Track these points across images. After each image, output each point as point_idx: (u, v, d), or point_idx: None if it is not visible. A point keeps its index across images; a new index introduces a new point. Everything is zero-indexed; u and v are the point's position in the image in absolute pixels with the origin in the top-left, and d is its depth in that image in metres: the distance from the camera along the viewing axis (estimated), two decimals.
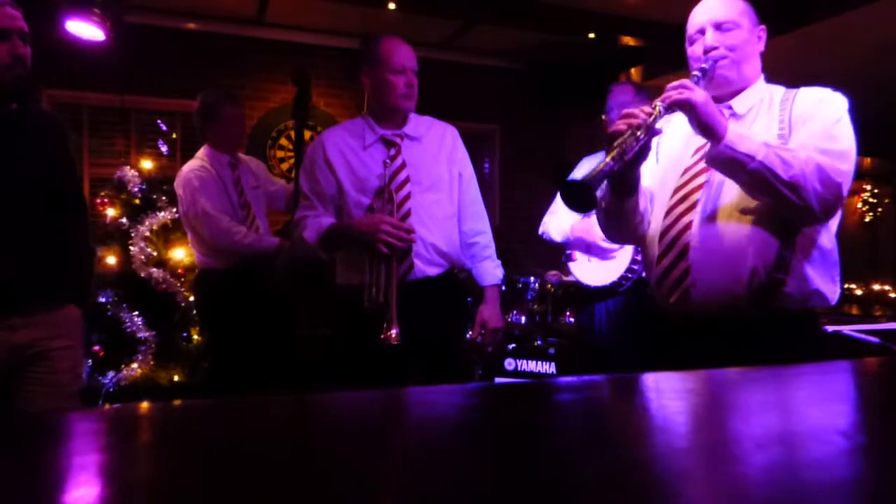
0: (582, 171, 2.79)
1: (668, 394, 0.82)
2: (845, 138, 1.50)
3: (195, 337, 3.72)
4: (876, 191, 7.77)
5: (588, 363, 2.92)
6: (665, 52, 4.85)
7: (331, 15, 4.91)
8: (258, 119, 5.13)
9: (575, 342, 3.31)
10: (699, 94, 1.46)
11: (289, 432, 0.65)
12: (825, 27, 4.32)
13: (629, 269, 2.62)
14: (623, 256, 2.64)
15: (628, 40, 5.13)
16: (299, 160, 3.13)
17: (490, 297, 2.29)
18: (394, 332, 1.95)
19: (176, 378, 3.68)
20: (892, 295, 6.42)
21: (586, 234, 2.69)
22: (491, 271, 2.29)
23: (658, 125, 1.47)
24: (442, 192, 2.17)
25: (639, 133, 1.43)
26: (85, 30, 3.71)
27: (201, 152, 3.07)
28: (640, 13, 4.67)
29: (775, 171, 1.41)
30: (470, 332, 2.33)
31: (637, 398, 0.81)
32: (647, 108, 1.47)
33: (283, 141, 5.17)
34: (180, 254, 3.72)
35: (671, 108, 1.48)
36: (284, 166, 5.11)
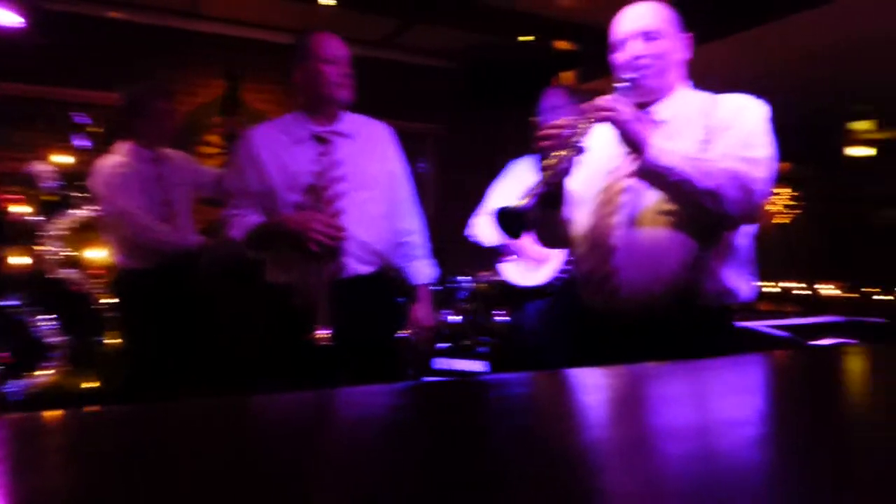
0: (511, 177, 2.84)
1: (594, 389, 0.83)
2: (764, 146, 1.57)
3: (113, 341, 3.55)
4: (792, 193, 8.21)
5: (520, 362, 2.96)
6: (599, 56, 4.96)
7: (266, 9, 4.80)
8: (186, 114, 4.95)
9: (507, 341, 3.34)
10: (624, 112, 1.51)
11: (215, 436, 0.62)
12: (751, 35, 4.52)
13: (562, 270, 2.67)
14: (555, 257, 2.69)
15: (563, 44, 5.23)
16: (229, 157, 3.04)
17: (423, 296, 2.28)
18: (324, 332, 1.93)
19: (91, 385, 3.50)
20: (803, 292, 6.81)
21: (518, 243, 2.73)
22: (423, 270, 2.29)
23: (584, 143, 1.51)
24: (375, 191, 2.13)
25: (565, 154, 1.48)
26: (1, 16, 3.50)
27: (122, 147, 2.93)
28: (575, 17, 4.77)
29: (695, 183, 1.48)
30: (404, 332, 2.31)
31: (564, 394, 0.82)
32: (573, 124, 1.51)
33: (211, 137, 5.00)
34: (97, 253, 3.54)
35: (597, 124, 1.53)
36: (211, 163, 4.95)
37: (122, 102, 2.93)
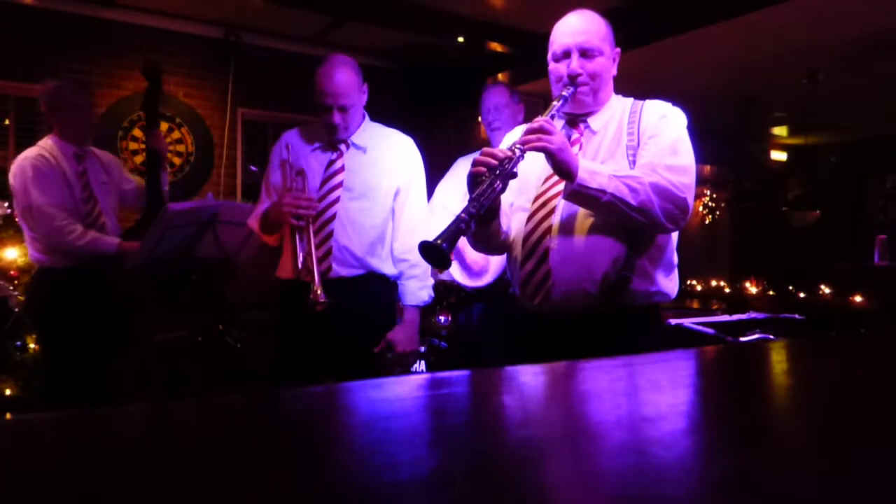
0: (458, 171, 2.83)
1: (527, 385, 0.84)
2: (686, 153, 1.65)
3: (31, 346, 3.36)
4: (714, 195, 8.58)
5: (465, 362, 2.96)
6: (531, 59, 5.05)
7: (191, 1, 4.65)
8: (107, 108, 4.74)
9: (451, 341, 3.35)
10: (555, 141, 1.55)
11: (145, 442, 0.59)
12: (671, 44, 4.71)
13: (505, 271, 2.68)
14: (499, 260, 2.70)
15: (496, 46, 5.29)
16: (151, 157, 2.98)
17: (407, 318, 2.27)
18: (319, 293, 2.08)
19: (8, 392, 3.31)
20: (727, 290, 7.12)
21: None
22: (413, 291, 2.27)
23: (515, 170, 1.54)
24: (374, 202, 2.23)
25: (497, 184, 1.50)
26: None
27: (44, 141, 2.84)
28: (508, 20, 4.83)
29: (625, 200, 1.54)
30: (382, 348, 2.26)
31: (498, 391, 0.82)
32: (505, 151, 1.54)
33: (137, 132, 4.81)
34: (12, 253, 3.35)
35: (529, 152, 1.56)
36: (138, 159, 4.76)
37: (38, 96, 2.83)
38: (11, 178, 2.73)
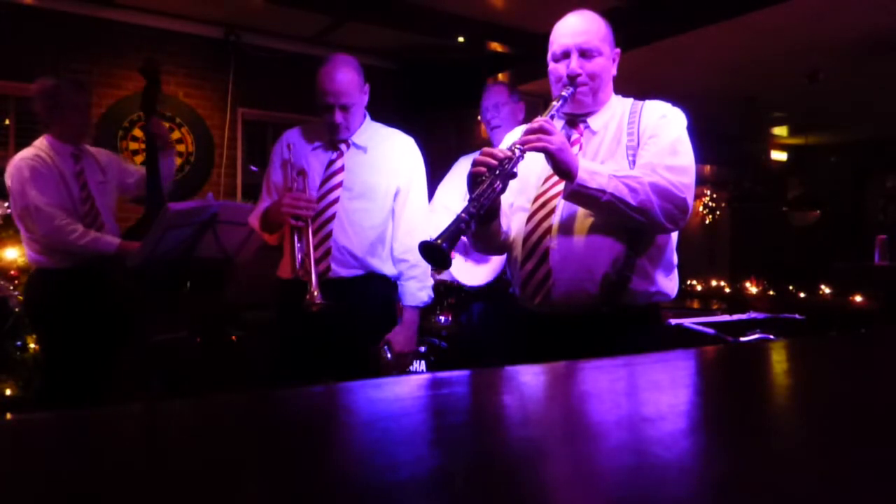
0: (459, 171, 2.84)
1: (528, 385, 0.84)
2: (686, 153, 1.65)
3: (31, 346, 3.36)
4: (714, 195, 8.57)
5: (465, 361, 2.96)
6: (531, 59, 5.06)
7: (192, 0, 4.65)
8: (107, 108, 4.74)
9: (451, 341, 3.35)
10: (555, 141, 1.55)
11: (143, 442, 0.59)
12: (671, 44, 4.71)
13: (505, 271, 2.68)
14: (499, 258, 2.69)
15: (496, 46, 5.29)
16: (150, 144, 2.98)
17: (406, 319, 2.28)
18: (316, 294, 2.07)
19: (8, 392, 3.31)
20: (727, 290, 7.11)
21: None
22: (413, 292, 2.28)
23: (515, 170, 1.55)
24: (373, 202, 2.23)
25: (496, 184, 1.51)
26: None
27: (40, 141, 2.82)
28: (508, 20, 4.83)
29: (625, 200, 1.55)
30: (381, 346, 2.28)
31: (498, 391, 0.82)
32: (505, 151, 1.54)
33: (137, 132, 4.80)
34: (12, 253, 3.35)
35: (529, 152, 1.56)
36: (138, 159, 4.75)
37: (34, 94, 2.80)
38: (8, 180, 2.71)
